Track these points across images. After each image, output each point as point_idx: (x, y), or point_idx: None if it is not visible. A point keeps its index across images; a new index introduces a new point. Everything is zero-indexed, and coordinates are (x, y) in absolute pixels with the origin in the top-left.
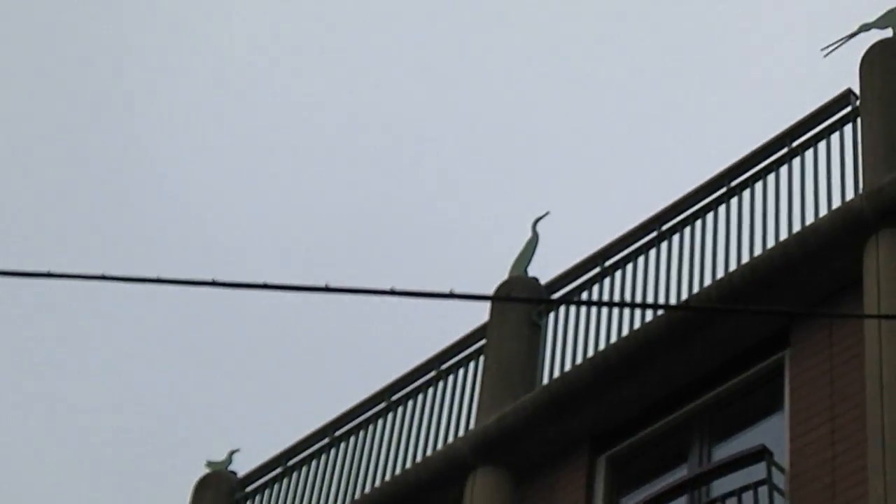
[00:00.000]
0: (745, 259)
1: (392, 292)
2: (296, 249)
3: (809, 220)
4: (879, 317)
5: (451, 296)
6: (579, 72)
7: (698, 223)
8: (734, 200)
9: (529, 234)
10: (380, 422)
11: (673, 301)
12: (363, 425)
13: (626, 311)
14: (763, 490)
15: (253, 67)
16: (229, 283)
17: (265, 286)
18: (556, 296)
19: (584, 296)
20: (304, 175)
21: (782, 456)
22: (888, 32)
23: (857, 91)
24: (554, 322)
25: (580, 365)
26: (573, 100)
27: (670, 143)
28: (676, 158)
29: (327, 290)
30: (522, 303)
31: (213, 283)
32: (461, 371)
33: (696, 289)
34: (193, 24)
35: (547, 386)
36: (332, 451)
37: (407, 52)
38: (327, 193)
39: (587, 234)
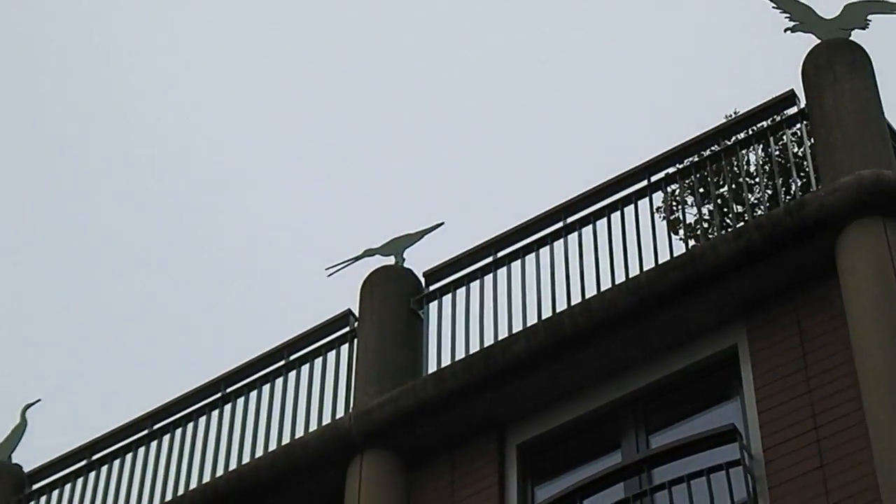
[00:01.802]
0: (234, 466)
1: None
2: None
3: (300, 433)
4: None
5: None
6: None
7: (190, 426)
8: (227, 407)
9: (18, 420)
10: None
11: (157, 501)
12: None
13: None
14: None
15: None
16: None
17: None
18: (39, 485)
19: (69, 487)
20: None
21: None
22: (390, 260)
23: (357, 312)
24: None
25: None
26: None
27: (162, 344)
28: (169, 360)
29: None
30: None
31: None
32: None
33: (181, 490)
34: None
35: None
36: None
37: None
38: None
39: (80, 424)
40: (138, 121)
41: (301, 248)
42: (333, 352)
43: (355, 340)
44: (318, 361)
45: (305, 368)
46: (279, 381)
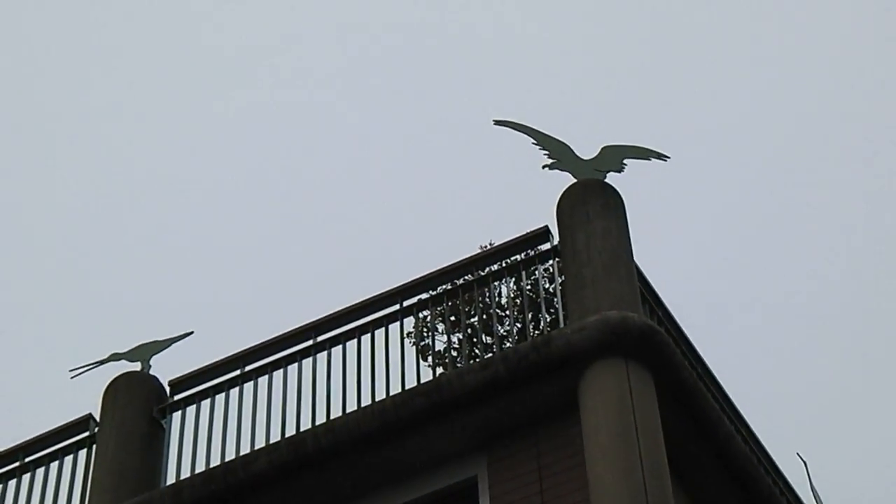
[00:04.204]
0: None
1: None
2: None
3: None
4: None
5: None
6: None
7: None
8: None
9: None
10: None
11: None
12: None
13: None
14: None
15: None
16: None
17: None
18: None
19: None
20: None
21: None
22: (136, 366)
23: (98, 417)
24: None
25: None
26: None
27: None
28: None
29: None
30: None
31: None
32: None
33: None
34: None
35: None
36: None
37: None
38: None
39: None
40: None
41: (45, 348)
42: (71, 456)
43: (94, 446)
44: (55, 465)
45: (41, 472)
46: (12, 483)
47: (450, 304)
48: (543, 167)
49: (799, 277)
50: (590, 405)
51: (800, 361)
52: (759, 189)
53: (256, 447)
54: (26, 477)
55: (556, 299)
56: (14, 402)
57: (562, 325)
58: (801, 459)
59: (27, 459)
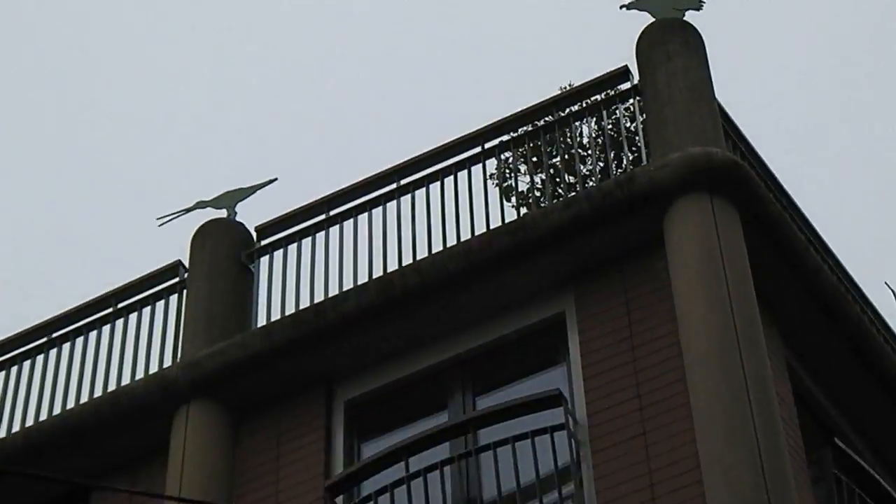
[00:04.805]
0: (57, 410)
1: None
2: None
3: (126, 381)
4: (178, 500)
5: None
6: None
7: (14, 369)
8: (53, 352)
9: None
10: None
11: None
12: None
13: None
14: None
15: None
16: None
17: None
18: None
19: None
20: None
21: None
22: (223, 213)
23: (187, 264)
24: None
25: None
26: None
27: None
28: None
29: None
30: None
31: None
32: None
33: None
34: None
35: None
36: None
37: None
38: None
39: None
40: None
41: (134, 198)
42: (162, 302)
43: (185, 291)
44: (147, 311)
45: (134, 317)
46: (106, 329)
47: (532, 145)
48: (621, 7)
49: (883, 107)
50: (675, 240)
51: (883, 187)
52: (842, 23)
53: (345, 289)
54: (120, 322)
55: (637, 138)
56: (106, 249)
57: (644, 163)
58: (890, 288)
59: (120, 305)
